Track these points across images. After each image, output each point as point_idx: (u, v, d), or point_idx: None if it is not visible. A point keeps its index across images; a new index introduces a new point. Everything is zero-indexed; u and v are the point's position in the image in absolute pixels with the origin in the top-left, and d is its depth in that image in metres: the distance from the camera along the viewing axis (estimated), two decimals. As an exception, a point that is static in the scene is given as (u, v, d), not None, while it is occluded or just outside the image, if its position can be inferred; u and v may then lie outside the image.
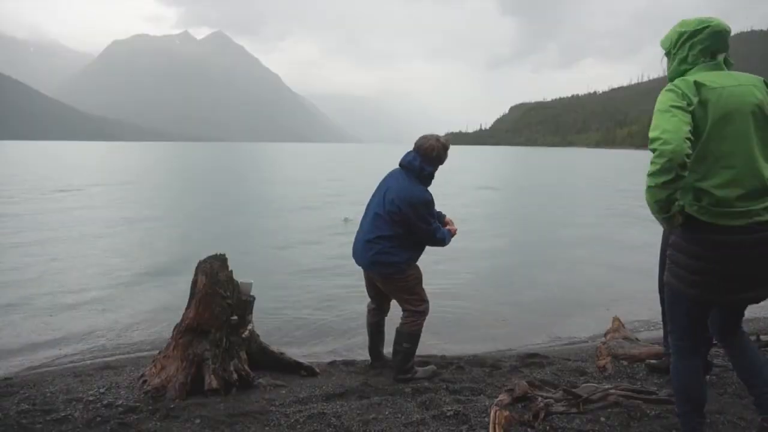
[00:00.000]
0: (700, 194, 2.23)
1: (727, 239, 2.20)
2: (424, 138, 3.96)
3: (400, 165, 4.00)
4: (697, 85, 2.24)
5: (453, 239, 4.10)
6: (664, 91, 2.28)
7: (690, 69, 2.37)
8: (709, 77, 2.28)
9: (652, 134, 2.17)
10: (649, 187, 2.20)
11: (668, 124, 2.14)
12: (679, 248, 2.35)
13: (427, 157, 3.89)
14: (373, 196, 4.08)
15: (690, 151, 2.13)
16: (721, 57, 2.38)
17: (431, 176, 3.94)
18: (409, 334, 3.99)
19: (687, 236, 2.29)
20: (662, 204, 2.20)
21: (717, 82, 2.26)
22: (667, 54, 2.49)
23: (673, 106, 2.19)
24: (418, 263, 4.06)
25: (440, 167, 4.00)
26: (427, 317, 4.09)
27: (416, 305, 4.01)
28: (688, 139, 2.13)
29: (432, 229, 3.89)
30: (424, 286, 4.08)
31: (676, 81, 2.30)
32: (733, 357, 2.68)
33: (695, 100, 2.21)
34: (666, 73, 2.50)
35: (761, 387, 2.53)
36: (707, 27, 2.35)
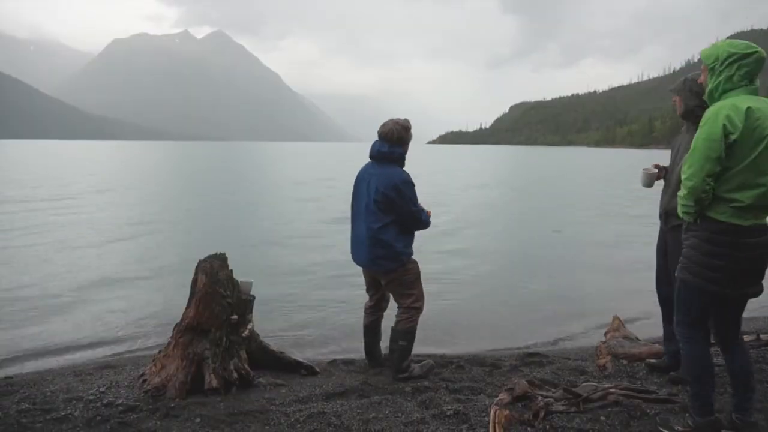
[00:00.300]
0: (731, 202, 2.62)
1: (747, 240, 2.62)
2: (382, 125, 4.07)
3: (371, 158, 4.08)
4: (748, 112, 2.57)
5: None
6: (712, 121, 2.60)
7: (734, 89, 2.66)
8: (754, 102, 2.61)
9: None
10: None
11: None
12: (698, 249, 2.71)
13: (390, 140, 3.98)
14: (355, 194, 4.12)
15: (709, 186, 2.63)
16: (757, 82, 2.70)
17: (402, 157, 4.03)
18: (405, 332, 4.02)
19: (708, 237, 2.67)
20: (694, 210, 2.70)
21: (762, 109, 2.60)
22: (711, 69, 2.72)
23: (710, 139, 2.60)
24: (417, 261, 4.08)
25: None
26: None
27: (414, 302, 4.04)
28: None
29: (417, 210, 3.97)
30: (423, 285, 4.11)
31: (727, 109, 2.59)
32: (727, 359, 2.96)
33: (741, 126, 2.56)
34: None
35: (747, 393, 2.86)
36: (756, 53, 2.64)
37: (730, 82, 2.65)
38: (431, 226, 4.20)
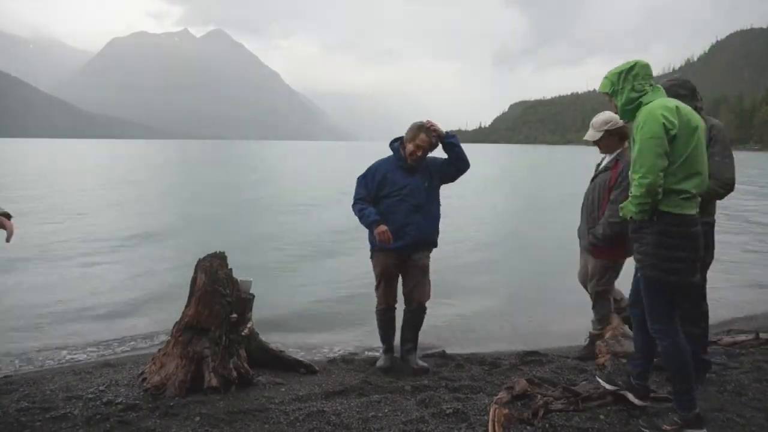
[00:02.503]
0: (680, 194, 2.79)
1: (695, 229, 2.83)
2: None
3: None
4: (678, 109, 2.81)
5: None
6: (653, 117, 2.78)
7: (644, 92, 2.91)
8: (674, 101, 2.88)
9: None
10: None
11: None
12: (658, 244, 2.82)
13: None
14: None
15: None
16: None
17: (396, 150, 4.23)
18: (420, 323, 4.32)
19: (665, 230, 2.81)
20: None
21: (681, 106, 2.86)
22: (614, 92, 2.99)
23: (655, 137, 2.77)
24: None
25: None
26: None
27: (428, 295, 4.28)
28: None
29: (353, 203, 4.20)
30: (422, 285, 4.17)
31: (659, 107, 2.80)
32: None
33: (676, 122, 2.77)
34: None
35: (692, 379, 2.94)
36: (635, 64, 2.95)
37: (634, 90, 2.92)
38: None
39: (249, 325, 4.05)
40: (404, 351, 4.33)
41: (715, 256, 3.73)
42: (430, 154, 4.18)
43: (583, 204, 4.35)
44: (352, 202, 4.20)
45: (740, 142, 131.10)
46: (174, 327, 3.86)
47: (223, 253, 3.92)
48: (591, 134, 4.18)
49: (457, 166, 4.21)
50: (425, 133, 4.05)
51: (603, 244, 4.08)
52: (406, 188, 4.08)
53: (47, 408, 3.39)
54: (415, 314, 4.28)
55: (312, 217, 14.96)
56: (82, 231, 12.50)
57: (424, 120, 4.15)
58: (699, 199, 2.89)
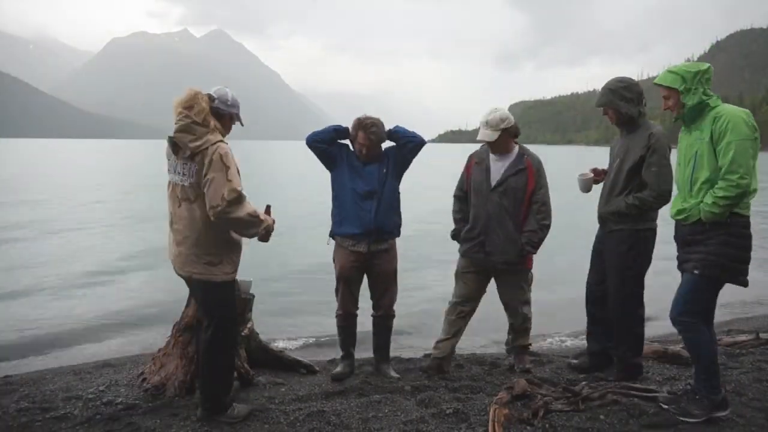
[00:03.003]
0: (751, 195, 2.91)
1: (750, 230, 2.95)
2: None
3: None
4: (751, 115, 2.93)
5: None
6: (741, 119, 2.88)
7: (711, 97, 2.97)
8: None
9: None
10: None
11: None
12: (732, 245, 2.90)
13: None
14: None
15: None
16: None
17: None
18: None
19: (739, 232, 2.91)
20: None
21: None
22: (687, 89, 2.97)
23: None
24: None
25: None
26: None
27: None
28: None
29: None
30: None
31: (742, 112, 2.91)
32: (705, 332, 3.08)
33: (756, 127, 2.92)
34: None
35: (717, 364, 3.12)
36: (708, 67, 3.01)
37: (705, 94, 2.96)
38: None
39: (249, 325, 4.05)
40: (375, 360, 4.20)
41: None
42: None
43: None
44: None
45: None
46: (174, 327, 3.86)
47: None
48: (488, 134, 3.73)
49: (405, 147, 3.91)
50: (363, 130, 3.80)
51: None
52: (361, 173, 3.88)
53: (47, 408, 3.39)
54: (383, 321, 4.09)
55: (314, 218, 14.96)
56: (82, 230, 12.51)
57: (361, 116, 3.90)
58: None
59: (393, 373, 4.10)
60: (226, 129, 3.14)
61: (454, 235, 4.11)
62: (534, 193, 3.82)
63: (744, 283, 2.99)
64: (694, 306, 3.02)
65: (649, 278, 3.74)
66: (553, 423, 3.00)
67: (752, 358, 4.25)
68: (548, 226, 3.87)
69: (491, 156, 3.88)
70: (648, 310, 3.78)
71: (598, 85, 3.96)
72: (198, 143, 2.92)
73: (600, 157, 4.49)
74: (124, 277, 8.31)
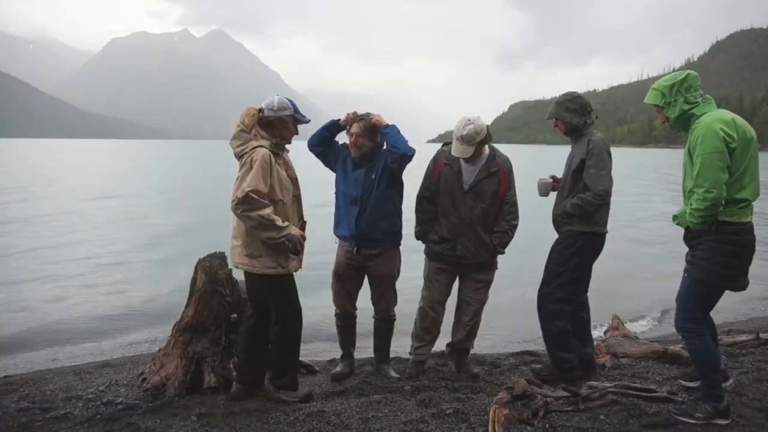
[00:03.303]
0: (739, 203, 2.92)
1: (750, 236, 2.97)
2: None
3: None
4: (735, 121, 2.91)
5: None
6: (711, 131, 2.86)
7: (697, 103, 2.99)
8: (728, 113, 2.97)
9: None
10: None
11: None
12: (718, 251, 2.93)
13: None
14: None
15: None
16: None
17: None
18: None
19: (726, 239, 2.93)
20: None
21: (736, 117, 2.95)
22: (666, 103, 3.04)
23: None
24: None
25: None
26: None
27: None
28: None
29: None
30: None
31: (716, 121, 2.88)
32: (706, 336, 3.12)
33: (736, 135, 2.87)
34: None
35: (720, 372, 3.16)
36: (686, 75, 3.04)
37: (687, 103, 2.99)
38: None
39: (249, 325, 4.04)
40: (375, 360, 4.22)
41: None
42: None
43: None
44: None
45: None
46: (174, 327, 3.86)
47: (223, 253, 3.91)
48: (464, 150, 3.67)
49: (390, 154, 3.81)
50: (356, 121, 3.81)
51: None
52: (349, 178, 3.89)
53: (47, 408, 3.39)
54: (381, 323, 4.10)
55: (315, 218, 14.95)
56: (83, 229, 12.51)
57: (350, 112, 3.88)
58: (753, 205, 3.00)
59: (393, 373, 4.10)
60: (283, 132, 3.41)
61: (421, 236, 4.01)
62: (505, 194, 3.85)
63: (735, 288, 3.04)
64: (693, 312, 3.06)
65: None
66: (553, 423, 3.00)
67: (752, 358, 4.25)
68: (516, 227, 3.94)
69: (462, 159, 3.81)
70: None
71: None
72: (240, 147, 3.30)
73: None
74: (125, 277, 8.31)
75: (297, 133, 3.54)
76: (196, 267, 3.83)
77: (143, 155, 71.32)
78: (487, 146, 3.82)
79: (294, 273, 3.47)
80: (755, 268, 3.17)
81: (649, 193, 24.27)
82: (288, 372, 3.55)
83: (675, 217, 3.13)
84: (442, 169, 3.87)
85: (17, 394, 3.69)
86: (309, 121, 3.56)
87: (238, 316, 3.85)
